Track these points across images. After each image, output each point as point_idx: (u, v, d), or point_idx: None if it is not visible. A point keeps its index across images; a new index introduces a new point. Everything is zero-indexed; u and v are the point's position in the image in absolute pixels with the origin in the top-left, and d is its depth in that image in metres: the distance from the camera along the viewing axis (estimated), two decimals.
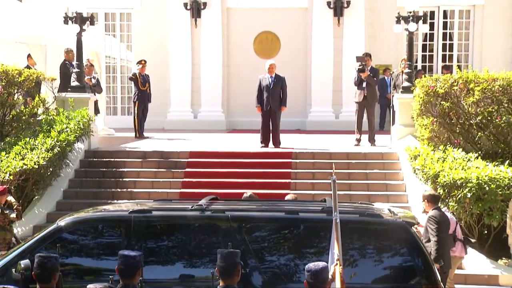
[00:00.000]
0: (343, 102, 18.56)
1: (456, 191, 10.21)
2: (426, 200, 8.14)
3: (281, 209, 6.64)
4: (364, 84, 13.83)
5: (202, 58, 19.00)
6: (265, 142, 13.72)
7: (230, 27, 19.22)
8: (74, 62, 14.37)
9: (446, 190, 10.32)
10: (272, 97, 13.76)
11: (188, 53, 19.01)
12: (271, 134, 13.89)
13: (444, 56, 19.08)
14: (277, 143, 13.84)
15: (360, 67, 13.70)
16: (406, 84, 13.91)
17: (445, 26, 19.05)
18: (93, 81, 15.32)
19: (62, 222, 6.29)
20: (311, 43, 18.81)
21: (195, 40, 18.99)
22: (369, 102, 13.91)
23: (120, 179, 12.53)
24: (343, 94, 18.54)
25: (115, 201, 11.41)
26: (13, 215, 9.15)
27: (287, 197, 8.76)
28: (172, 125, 18.59)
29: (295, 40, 19.03)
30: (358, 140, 14.08)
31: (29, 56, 14.81)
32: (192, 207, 6.33)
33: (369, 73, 13.87)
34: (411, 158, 11.68)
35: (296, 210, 6.39)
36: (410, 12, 13.95)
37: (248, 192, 9.82)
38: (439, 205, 8.35)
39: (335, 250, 5.07)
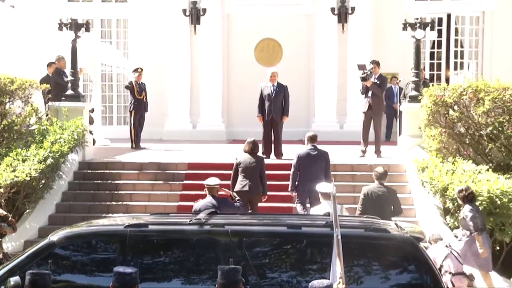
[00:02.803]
0: (348, 111, 18.60)
1: None
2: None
3: (283, 223, 6.60)
4: (370, 94, 13.84)
5: (202, 66, 19.07)
6: (266, 153, 13.69)
7: (231, 34, 19.34)
8: (68, 70, 14.44)
9: (456, 204, 10.27)
10: (274, 107, 13.77)
11: (187, 60, 19.10)
12: (272, 145, 13.88)
13: (454, 64, 19.17)
14: (279, 155, 13.82)
15: (363, 75, 13.68)
16: (413, 93, 13.93)
17: (455, 32, 19.12)
18: None
19: (54, 237, 6.26)
20: (314, 50, 18.90)
21: (194, 47, 19.09)
22: (375, 112, 13.89)
23: (116, 192, 12.53)
24: (348, 103, 18.57)
25: (110, 215, 11.39)
26: (8, 228, 8.97)
27: (377, 169, 9.90)
28: (170, 135, 18.66)
29: (298, 48, 19.12)
30: (364, 152, 14.08)
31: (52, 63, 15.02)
32: (190, 221, 6.31)
33: (375, 81, 13.85)
34: (418, 170, 11.66)
35: (298, 224, 6.37)
36: (417, 19, 14.00)
37: (251, 138, 10.90)
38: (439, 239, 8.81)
39: (337, 267, 5.00)
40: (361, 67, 13.76)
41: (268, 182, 11.50)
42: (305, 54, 19.03)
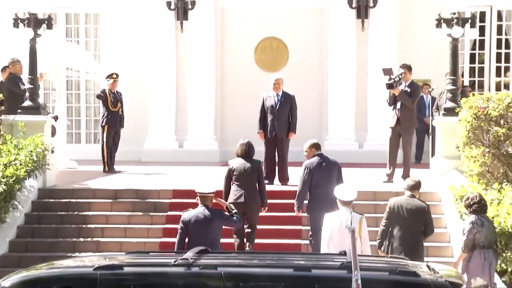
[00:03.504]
0: (369, 126, 18.64)
1: None
2: None
3: (290, 264, 6.60)
4: (398, 105, 13.85)
5: (190, 71, 19.14)
6: (269, 177, 13.69)
7: (225, 32, 19.40)
8: (25, 76, 14.49)
9: (504, 242, 10.29)
10: (279, 121, 13.83)
11: (172, 64, 19.19)
12: (276, 168, 13.90)
13: (498, 69, 19.23)
14: (284, 179, 13.84)
15: (390, 81, 13.70)
16: (449, 104, 13.94)
17: (499, 30, 19.21)
18: None
19: (6, 283, 6.23)
20: (327, 52, 18.94)
21: (181, 48, 19.17)
22: (405, 127, 13.91)
23: (84, 226, 12.54)
24: (369, 117, 18.62)
25: (77, 254, 11.40)
26: None
27: (408, 179, 10.35)
28: (151, 156, 18.69)
29: (307, 49, 19.16)
30: (389, 176, 14.10)
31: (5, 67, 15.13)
32: (175, 261, 6.33)
33: (406, 89, 13.86)
34: (456, 200, 11.63)
35: (308, 266, 6.37)
36: (454, 14, 13.99)
37: (245, 140, 11.31)
38: None
39: None
40: (387, 71, 13.81)
41: (271, 214, 11.74)
42: (316, 56, 19.09)
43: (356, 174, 14.73)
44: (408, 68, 14.06)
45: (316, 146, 11.26)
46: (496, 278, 10.19)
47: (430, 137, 14.60)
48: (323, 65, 19.06)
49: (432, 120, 14.64)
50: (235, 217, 9.89)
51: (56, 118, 15.56)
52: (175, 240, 9.86)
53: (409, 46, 18.61)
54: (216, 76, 19.32)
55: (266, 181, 13.08)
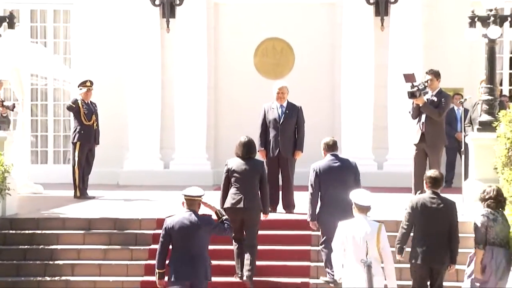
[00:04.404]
0: (390, 144, 18.66)
1: None
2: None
3: None
4: (423, 118, 13.84)
5: (178, 78, 19.19)
6: (271, 204, 13.48)
7: (220, 31, 19.48)
8: None
9: None
10: (283, 137, 13.82)
11: (156, 70, 19.23)
12: (280, 192, 13.88)
13: None
14: (289, 207, 13.86)
15: (412, 89, 13.65)
16: (485, 117, 13.88)
17: None
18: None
19: None
20: (340, 55, 18.95)
21: (167, 51, 19.25)
22: (430, 145, 13.85)
23: (51, 262, 12.45)
24: (390, 132, 18.62)
25: None
26: None
27: (429, 173, 10.60)
28: (131, 178, 18.76)
29: (317, 52, 19.18)
30: None
31: None
32: None
33: (432, 98, 13.84)
34: None
35: None
36: (491, 11, 13.91)
37: (246, 138, 11.81)
38: None
39: None
40: (409, 77, 13.75)
41: (275, 247, 11.95)
42: (327, 60, 19.13)
43: (375, 200, 14.59)
44: (435, 74, 14.01)
45: (329, 145, 11.50)
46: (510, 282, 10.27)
47: (463, 156, 14.52)
48: (335, 71, 19.09)
49: (464, 136, 14.58)
50: (225, 224, 10.06)
51: (13, 107, 15.59)
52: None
53: (437, 49, 18.67)
54: (208, 84, 19.33)
55: (270, 208, 13.10)
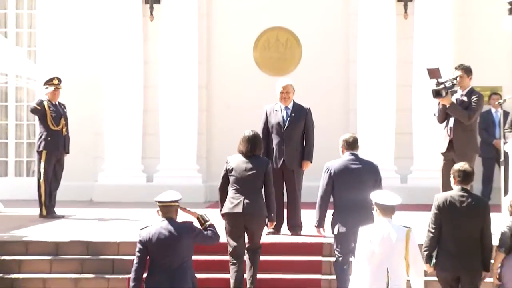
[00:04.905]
0: (415, 152, 18.54)
1: None
2: None
3: None
4: (451, 121, 13.56)
5: (163, 75, 19.13)
6: (275, 224, 13.17)
7: (213, 20, 19.40)
8: None
9: None
10: (288, 145, 13.64)
11: (138, 66, 19.17)
12: (285, 211, 13.74)
13: None
14: (296, 227, 13.71)
15: (437, 87, 13.37)
16: None
17: None
18: None
19: None
20: (356, 48, 18.89)
21: (151, 43, 19.22)
22: (459, 154, 13.42)
23: None
24: (415, 139, 18.51)
25: None
26: None
27: (457, 166, 10.37)
28: (107, 194, 18.68)
29: (328, 44, 19.18)
30: None
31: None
32: None
33: (462, 98, 13.57)
34: None
35: None
36: None
37: (251, 132, 11.88)
38: None
39: None
40: (433, 73, 13.39)
41: (278, 276, 11.95)
42: (340, 54, 19.09)
43: (399, 219, 14.32)
44: (465, 70, 13.66)
45: (348, 143, 11.47)
46: None
47: (502, 167, 14.60)
48: (349, 67, 18.99)
49: (504, 144, 14.62)
50: (209, 231, 10.09)
51: None
52: None
53: (470, 40, 18.71)
54: (200, 82, 19.21)
55: (271, 230, 13.16)
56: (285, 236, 13.43)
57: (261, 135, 13.31)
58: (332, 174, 11.22)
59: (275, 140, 13.55)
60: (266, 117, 13.73)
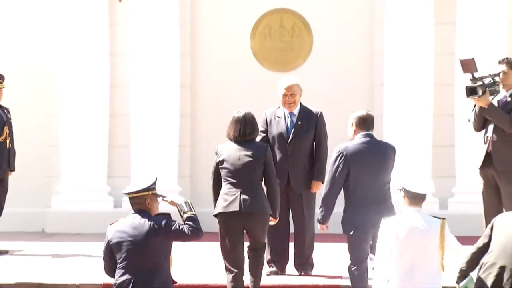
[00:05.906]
0: (458, 170, 18.69)
1: None
2: None
3: None
4: (490, 129, 13.50)
5: (134, 71, 19.25)
6: (277, 262, 13.68)
7: (199, 1, 19.56)
8: None
9: None
10: (294, 161, 13.68)
11: (102, 59, 19.32)
12: (291, 244, 13.85)
13: None
14: (305, 266, 13.73)
15: (473, 84, 13.43)
16: None
17: None
18: None
19: None
20: (382, 38, 18.96)
21: (119, 32, 19.41)
22: (500, 170, 13.47)
23: None
24: (458, 153, 18.63)
25: None
26: None
27: None
28: (63, 223, 18.83)
29: (346, 31, 19.25)
30: None
31: None
32: None
33: (507, 99, 13.47)
34: None
35: None
36: None
37: (241, 111, 12.17)
38: None
39: None
40: (467, 65, 13.47)
41: None
42: (362, 45, 19.20)
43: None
44: (510, 64, 13.71)
45: (363, 120, 11.72)
46: None
47: None
48: (374, 62, 19.08)
49: None
50: (186, 225, 10.14)
51: None
52: None
53: None
54: (182, 79, 19.33)
55: (273, 269, 13.53)
56: (291, 277, 13.47)
57: None
58: (348, 158, 11.40)
59: (277, 155, 13.51)
60: (266, 125, 13.73)
